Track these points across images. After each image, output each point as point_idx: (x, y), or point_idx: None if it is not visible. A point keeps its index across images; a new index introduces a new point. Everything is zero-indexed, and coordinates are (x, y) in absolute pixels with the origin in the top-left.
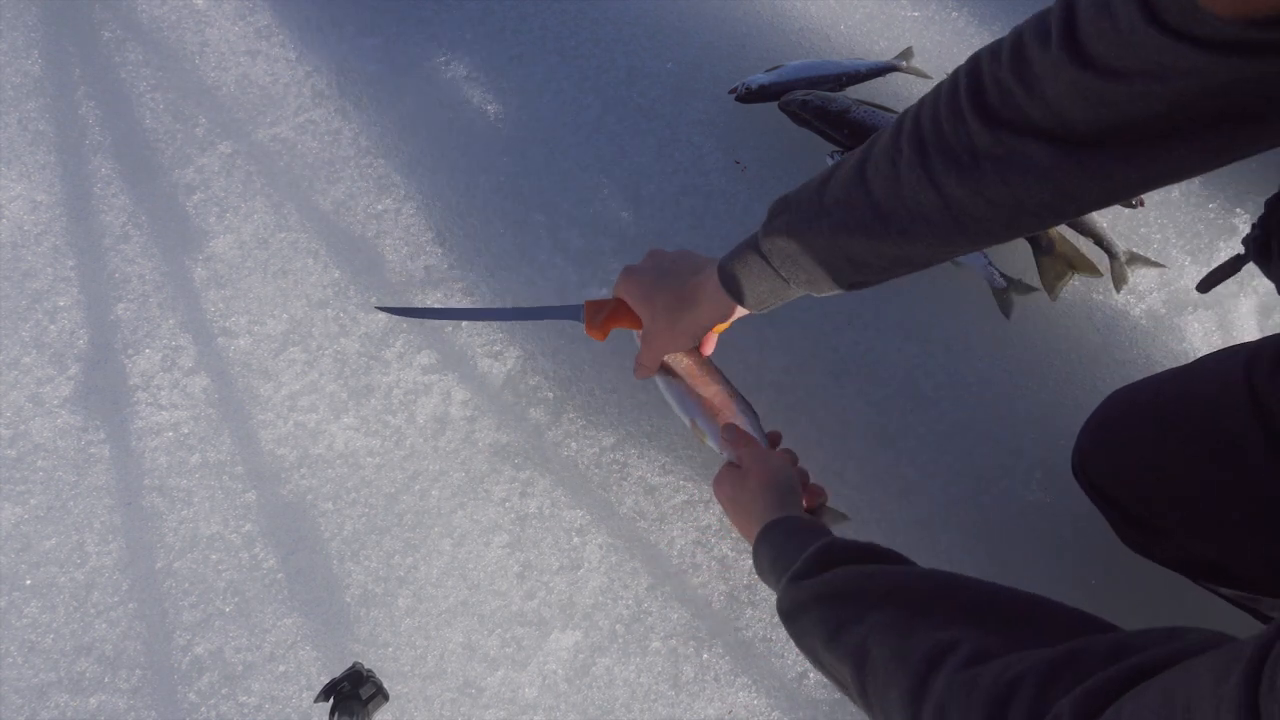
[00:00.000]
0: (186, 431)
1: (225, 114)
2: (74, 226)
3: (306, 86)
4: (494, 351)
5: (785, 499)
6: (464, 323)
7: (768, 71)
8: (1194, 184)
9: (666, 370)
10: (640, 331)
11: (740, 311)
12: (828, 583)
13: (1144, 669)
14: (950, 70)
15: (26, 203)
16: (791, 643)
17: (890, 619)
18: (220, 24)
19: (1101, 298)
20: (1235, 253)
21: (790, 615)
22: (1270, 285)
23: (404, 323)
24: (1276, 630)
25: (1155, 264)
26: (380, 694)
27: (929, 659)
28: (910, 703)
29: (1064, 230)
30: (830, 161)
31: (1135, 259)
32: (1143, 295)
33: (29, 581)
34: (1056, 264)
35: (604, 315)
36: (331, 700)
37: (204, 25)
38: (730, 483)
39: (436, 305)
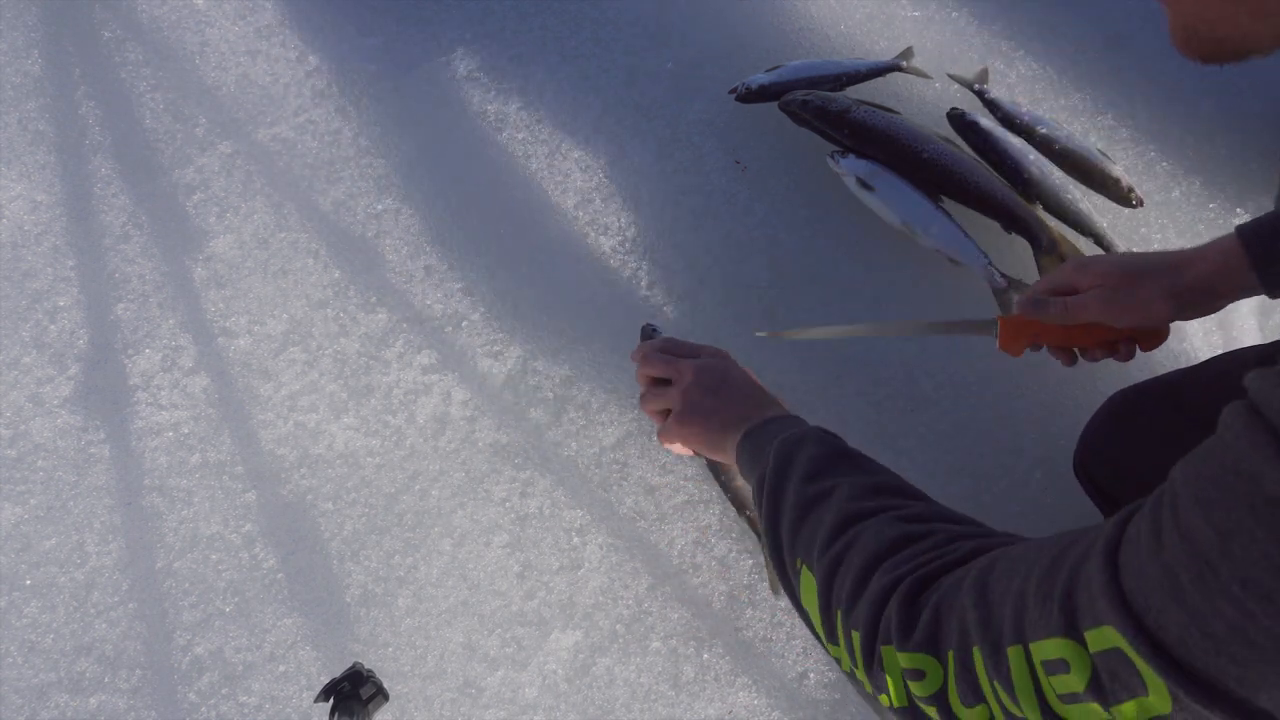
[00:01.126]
0: (186, 431)
1: (225, 114)
2: (74, 226)
3: (306, 86)
4: (494, 351)
5: (759, 397)
6: (464, 324)
7: (768, 71)
8: (1194, 184)
9: None
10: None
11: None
12: (827, 440)
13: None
14: (949, 71)
15: (26, 203)
16: (792, 642)
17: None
18: (220, 24)
19: None
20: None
21: (794, 441)
22: None
23: (404, 322)
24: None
25: None
26: (380, 694)
27: (875, 512)
28: (848, 539)
29: (1064, 230)
30: (830, 161)
31: None
32: None
33: (29, 581)
34: (1056, 264)
35: (1029, 333)
36: (331, 700)
37: (204, 25)
38: (734, 365)
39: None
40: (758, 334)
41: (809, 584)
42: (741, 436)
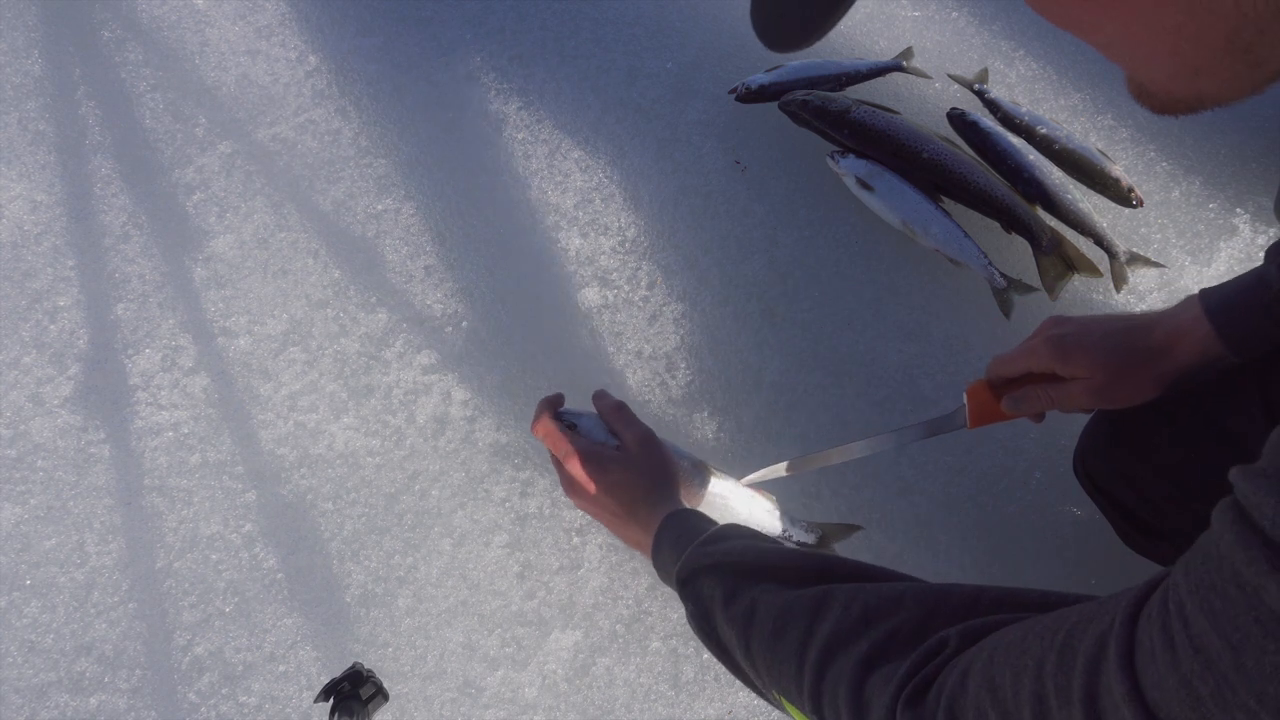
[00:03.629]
0: (186, 431)
1: (225, 114)
2: (74, 226)
3: (306, 86)
4: (494, 351)
5: (673, 488)
6: (464, 324)
7: (768, 71)
8: (1194, 184)
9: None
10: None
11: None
12: (727, 552)
13: (1011, 607)
14: (949, 71)
15: (26, 203)
16: None
17: (778, 585)
18: (220, 24)
19: (1101, 298)
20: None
21: (689, 580)
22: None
23: (404, 322)
24: (1161, 574)
25: (1155, 264)
26: (380, 694)
27: (814, 609)
28: (800, 642)
29: (1064, 230)
30: (830, 161)
31: (1135, 259)
32: (1143, 295)
33: (29, 581)
34: (1056, 264)
35: (1001, 415)
36: (331, 700)
37: (204, 25)
38: (620, 466)
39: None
40: (743, 482)
41: (799, 715)
42: (653, 549)
